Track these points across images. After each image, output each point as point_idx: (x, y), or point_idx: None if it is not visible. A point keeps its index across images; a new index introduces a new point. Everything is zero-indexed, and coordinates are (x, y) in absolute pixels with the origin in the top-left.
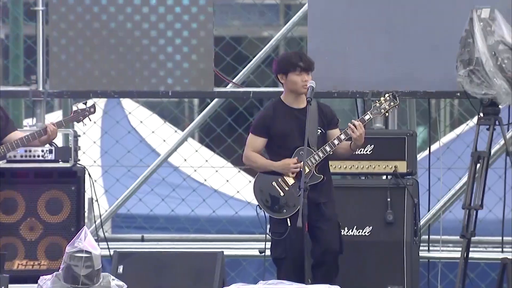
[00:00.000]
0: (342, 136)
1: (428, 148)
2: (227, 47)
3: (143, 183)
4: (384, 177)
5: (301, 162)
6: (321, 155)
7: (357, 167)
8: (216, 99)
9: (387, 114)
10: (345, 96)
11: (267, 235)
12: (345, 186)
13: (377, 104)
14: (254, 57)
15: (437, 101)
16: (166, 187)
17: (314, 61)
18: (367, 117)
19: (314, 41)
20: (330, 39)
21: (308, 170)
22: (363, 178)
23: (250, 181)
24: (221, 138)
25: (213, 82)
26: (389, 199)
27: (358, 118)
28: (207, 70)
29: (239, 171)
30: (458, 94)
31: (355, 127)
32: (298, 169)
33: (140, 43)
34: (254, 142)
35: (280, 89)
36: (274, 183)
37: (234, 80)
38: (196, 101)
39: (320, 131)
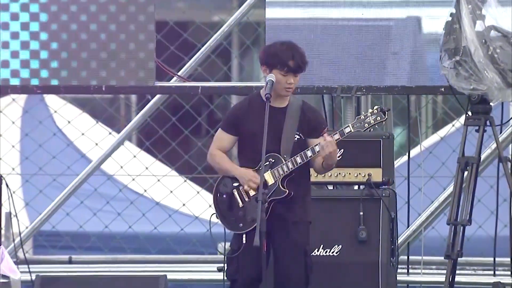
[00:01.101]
0: (309, 153)
1: (407, 153)
2: (171, 34)
3: (71, 195)
4: (356, 187)
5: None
6: (290, 166)
7: (324, 175)
8: (157, 96)
9: (371, 130)
10: (309, 92)
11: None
12: (311, 197)
13: (361, 117)
14: (203, 45)
15: (418, 98)
16: (99, 199)
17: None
18: (347, 130)
19: (273, 27)
20: (292, 24)
21: (273, 182)
22: (331, 188)
23: (198, 192)
24: (164, 141)
25: (154, 75)
26: (361, 213)
27: (333, 118)
28: (147, 61)
29: (185, 181)
30: (442, 89)
31: (325, 144)
32: (256, 185)
33: (67, 28)
34: (221, 139)
35: (236, 83)
36: (235, 191)
37: (179, 73)
38: (134, 97)
39: (298, 137)
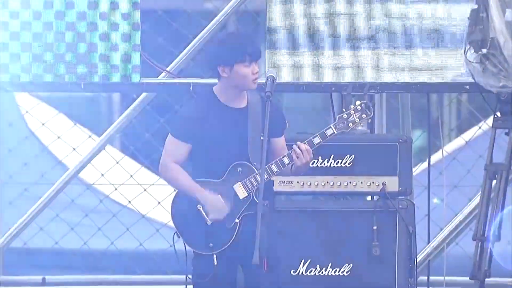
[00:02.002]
0: (286, 160)
1: (427, 159)
2: (159, 24)
3: (45, 207)
4: (369, 197)
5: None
6: (265, 175)
7: (333, 184)
8: (144, 94)
9: (355, 128)
10: (317, 90)
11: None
12: (317, 210)
13: (344, 116)
14: (194, 37)
15: (439, 97)
16: (77, 211)
17: (276, 41)
18: (329, 132)
19: (274, 14)
20: (297, 11)
21: (246, 195)
22: (341, 199)
23: None
24: (151, 146)
25: (140, 70)
26: (375, 227)
27: (334, 120)
28: (132, 54)
29: (174, 190)
30: (467, 86)
31: (301, 152)
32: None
33: (39, 16)
34: (176, 149)
35: None
36: (199, 207)
37: (168, 68)
38: (116, 96)
39: (262, 138)
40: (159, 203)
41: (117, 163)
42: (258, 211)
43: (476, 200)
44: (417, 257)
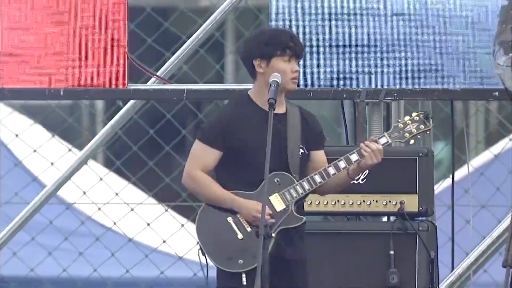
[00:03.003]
0: (342, 164)
1: (451, 175)
2: (149, 23)
3: (19, 229)
4: (385, 218)
5: (275, 209)
6: (306, 187)
7: (345, 203)
8: (131, 101)
9: (412, 141)
10: (327, 97)
11: None
12: (327, 231)
13: (400, 125)
14: (189, 37)
15: (465, 105)
16: (55, 234)
17: None
18: (382, 140)
19: (278, 12)
20: (303, 7)
21: (284, 207)
22: (354, 220)
23: (182, 225)
24: (139, 160)
25: (126, 75)
26: (392, 252)
27: (346, 131)
28: (118, 57)
29: (166, 210)
30: (496, 93)
31: (372, 150)
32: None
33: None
34: (204, 156)
35: (231, 86)
36: (230, 220)
37: (158, 73)
38: (100, 104)
39: (302, 150)
40: (148, 224)
41: (101, 179)
42: (260, 232)
43: (507, 221)
44: (439, 286)
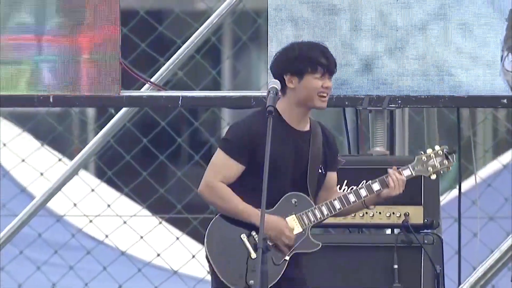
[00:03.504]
0: (363, 192)
1: (457, 186)
2: (143, 27)
3: (6, 242)
4: (389, 230)
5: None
6: (325, 212)
7: (347, 216)
8: (124, 109)
9: (434, 176)
10: (328, 105)
11: None
12: (329, 244)
13: (423, 158)
14: (184, 42)
15: (472, 112)
16: (44, 248)
17: (279, 49)
18: (406, 172)
19: (277, 17)
20: (302, 12)
21: (300, 231)
22: (356, 232)
23: (177, 238)
24: (132, 170)
25: (119, 81)
26: (396, 266)
27: (348, 141)
28: (110, 62)
29: (160, 223)
30: (505, 100)
31: (397, 180)
32: (292, 242)
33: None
34: (227, 168)
35: (228, 93)
36: (243, 237)
37: (152, 79)
38: (91, 111)
39: (320, 171)
40: (142, 237)
41: (92, 190)
42: (258, 246)
43: None
44: None
